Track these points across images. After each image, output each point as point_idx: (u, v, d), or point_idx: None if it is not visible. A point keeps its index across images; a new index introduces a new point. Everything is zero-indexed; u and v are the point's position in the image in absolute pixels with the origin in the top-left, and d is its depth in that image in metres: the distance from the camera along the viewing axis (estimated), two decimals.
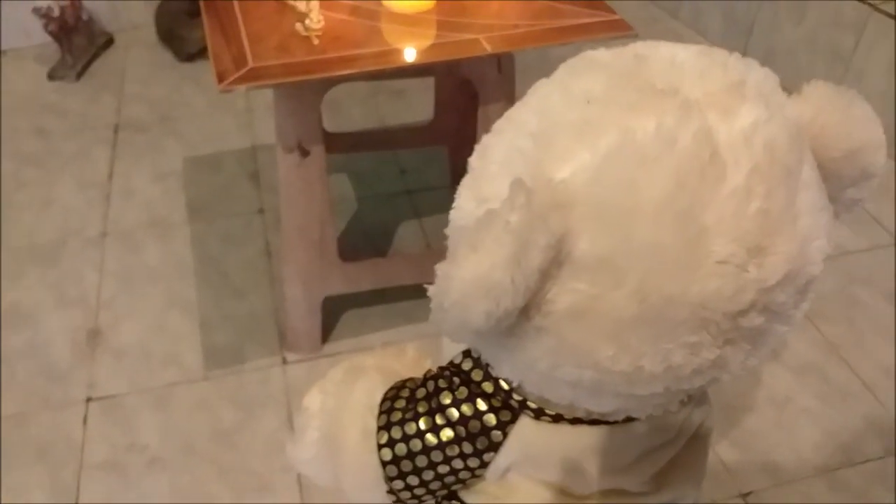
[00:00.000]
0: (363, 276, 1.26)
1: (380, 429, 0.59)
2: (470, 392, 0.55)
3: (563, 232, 0.41)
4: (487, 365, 0.55)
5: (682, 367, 0.44)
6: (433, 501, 0.62)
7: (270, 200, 1.58)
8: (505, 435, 0.55)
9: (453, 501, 0.62)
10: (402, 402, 0.59)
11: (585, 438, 0.54)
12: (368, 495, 0.62)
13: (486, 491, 0.59)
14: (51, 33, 1.92)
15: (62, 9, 1.91)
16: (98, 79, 1.98)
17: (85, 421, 1.18)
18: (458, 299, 0.41)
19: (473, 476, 0.58)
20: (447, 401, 0.56)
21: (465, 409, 0.55)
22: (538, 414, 0.54)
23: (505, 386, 0.54)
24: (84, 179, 1.65)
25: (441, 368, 0.59)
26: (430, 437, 0.56)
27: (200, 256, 1.46)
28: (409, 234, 1.51)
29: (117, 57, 2.07)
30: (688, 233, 0.41)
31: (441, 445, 0.56)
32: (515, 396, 0.54)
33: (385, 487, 0.59)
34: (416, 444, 0.57)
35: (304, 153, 1.09)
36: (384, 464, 0.58)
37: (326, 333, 1.30)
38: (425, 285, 0.45)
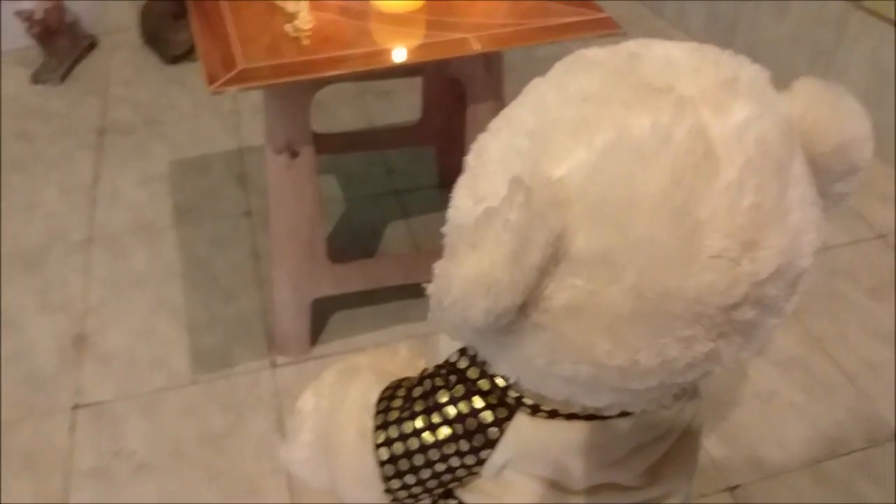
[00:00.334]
0: (352, 278, 1.26)
1: (376, 428, 0.59)
2: (466, 390, 0.56)
3: (561, 229, 0.42)
4: (484, 363, 0.56)
5: (677, 361, 0.45)
6: (430, 500, 0.63)
7: (258, 203, 1.57)
8: (501, 432, 0.55)
9: (450, 500, 0.62)
10: (398, 402, 0.60)
11: (581, 433, 0.54)
12: (365, 495, 0.62)
13: (482, 489, 0.60)
14: (34, 36, 1.90)
15: (45, 11, 1.89)
16: (82, 82, 1.97)
17: (72, 428, 1.17)
18: (459, 297, 0.42)
19: (470, 474, 0.58)
20: (444, 399, 0.56)
21: (462, 406, 0.56)
22: (534, 410, 0.54)
23: (501, 383, 0.55)
24: (69, 184, 1.64)
25: (437, 367, 0.59)
26: (427, 436, 0.57)
27: (188, 260, 1.46)
28: (398, 235, 1.51)
29: (101, 59, 2.05)
30: (683, 228, 0.41)
31: (438, 444, 0.56)
32: (511, 393, 0.54)
33: (382, 487, 0.60)
34: (414, 443, 0.57)
35: (294, 154, 1.09)
36: (381, 463, 0.59)
37: (315, 335, 1.30)
38: (423, 284, 0.46)
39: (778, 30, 1.89)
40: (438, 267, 0.44)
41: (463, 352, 0.58)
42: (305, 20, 1.01)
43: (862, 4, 1.69)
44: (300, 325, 1.27)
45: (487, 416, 0.55)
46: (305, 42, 0.99)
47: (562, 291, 0.43)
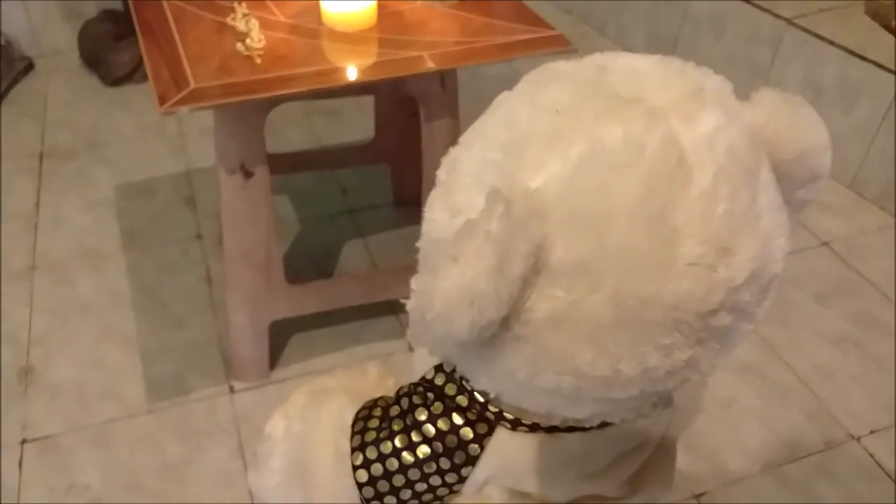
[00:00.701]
0: (310, 299, 1.24)
1: (354, 450, 0.58)
2: (445, 407, 0.55)
3: (540, 239, 0.42)
4: (461, 378, 0.55)
5: (658, 369, 0.45)
6: None
7: (208, 225, 1.54)
8: (482, 448, 0.55)
9: None
10: (375, 422, 0.59)
11: (562, 446, 0.54)
12: None
13: None
14: None
15: None
16: (18, 105, 1.90)
17: (20, 464, 1.12)
18: (442, 311, 0.41)
19: (451, 492, 0.57)
20: (423, 417, 0.56)
21: (441, 424, 0.55)
22: (515, 424, 0.54)
23: (480, 398, 0.54)
24: (8, 211, 1.57)
25: (413, 385, 0.58)
26: (406, 456, 0.56)
27: (137, 286, 1.41)
28: (354, 254, 1.50)
29: (38, 82, 1.99)
30: (660, 235, 0.42)
31: (418, 463, 0.56)
32: (491, 408, 0.54)
33: None
34: (393, 464, 0.56)
35: (248, 174, 1.07)
36: (360, 486, 0.58)
37: (274, 359, 1.28)
38: (402, 300, 0.45)
39: (716, 48, 1.95)
40: (417, 281, 0.44)
41: (439, 368, 0.57)
42: (257, 38, 1.00)
43: (795, 22, 1.75)
44: (257, 349, 1.24)
45: (467, 432, 0.55)
46: (258, 61, 0.97)
47: (542, 302, 0.43)
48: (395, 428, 0.57)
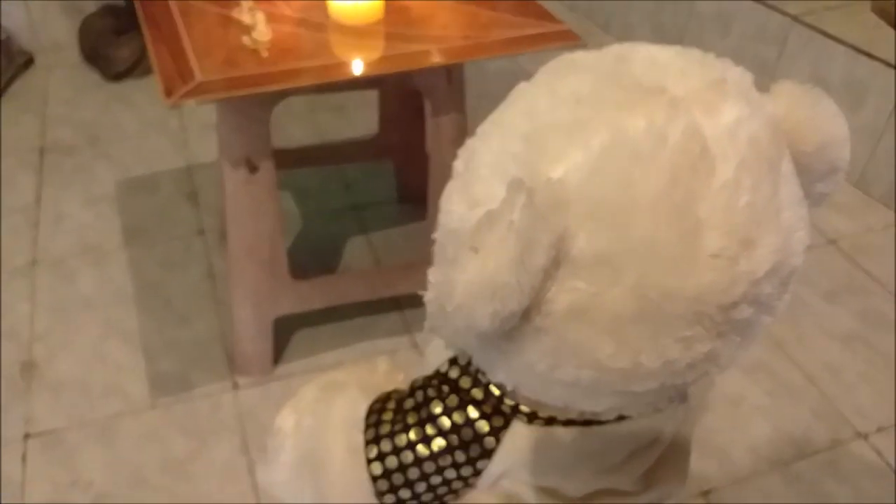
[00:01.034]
0: (315, 295, 1.23)
1: (368, 443, 0.58)
2: (461, 400, 0.55)
3: (562, 230, 0.41)
4: (477, 371, 0.54)
5: (678, 362, 0.45)
6: None
7: (211, 221, 1.53)
8: (498, 441, 0.54)
9: None
10: (389, 415, 0.58)
11: (578, 440, 0.54)
12: None
13: (478, 500, 0.58)
14: None
15: None
16: (19, 101, 1.89)
17: (24, 459, 1.11)
18: (463, 302, 0.41)
19: (466, 485, 0.57)
20: (438, 410, 0.55)
21: (457, 417, 0.55)
22: (531, 418, 0.53)
23: (496, 392, 0.54)
24: (9, 206, 1.56)
25: (427, 378, 0.58)
26: (421, 448, 0.55)
27: (140, 282, 1.41)
28: (358, 250, 1.49)
29: (39, 77, 1.98)
30: (683, 227, 0.41)
31: (433, 456, 0.55)
32: (507, 401, 0.53)
33: (375, 503, 0.58)
34: (408, 456, 0.56)
35: (253, 169, 1.06)
36: (375, 478, 0.57)
37: (277, 355, 1.27)
38: (420, 293, 0.44)
39: (722, 45, 1.94)
40: (434, 273, 0.43)
41: (453, 361, 0.57)
42: (263, 32, 0.99)
43: (802, 20, 1.75)
44: (261, 344, 1.23)
45: (483, 425, 0.54)
46: (264, 54, 0.97)
47: (563, 294, 0.43)
48: (410, 421, 0.56)
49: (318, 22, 1.04)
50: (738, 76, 0.47)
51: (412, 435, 0.56)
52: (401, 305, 1.34)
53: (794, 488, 1.12)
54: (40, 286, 1.39)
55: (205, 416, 1.18)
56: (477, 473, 0.55)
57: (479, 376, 0.54)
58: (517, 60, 1.76)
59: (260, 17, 1.02)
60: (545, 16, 1.08)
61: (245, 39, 0.98)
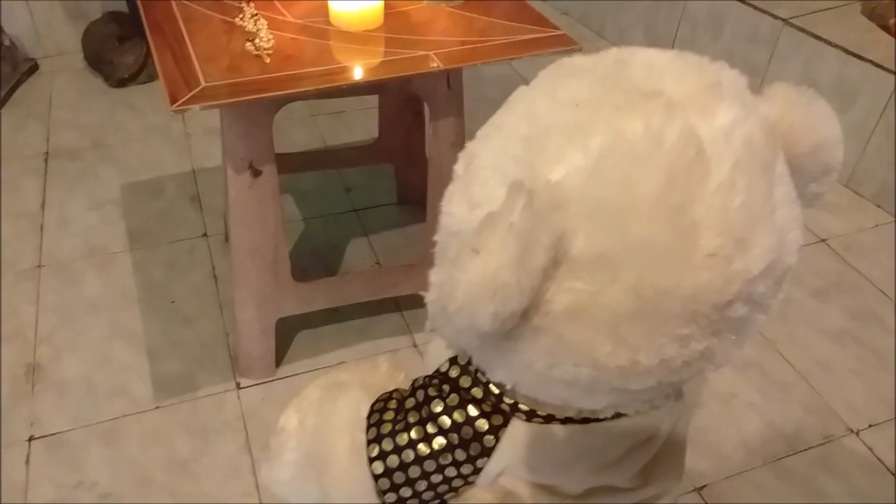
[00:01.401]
0: (317, 296, 1.25)
1: (370, 442, 0.59)
2: (461, 399, 0.56)
3: (561, 231, 0.43)
4: (476, 370, 0.56)
5: (674, 360, 0.46)
6: None
7: (214, 224, 1.55)
8: (497, 439, 0.55)
9: None
10: (391, 414, 0.59)
11: (576, 437, 0.55)
12: None
13: (477, 497, 0.60)
14: None
15: None
16: (24, 106, 1.91)
17: (28, 461, 1.13)
18: (465, 303, 0.42)
19: (466, 483, 0.58)
20: (438, 409, 0.56)
21: (457, 416, 0.56)
22: (530, 416, 0.54)
23: (495, 390, 0.55)
24: (14, 210, 1.58)
25: (428, 377, 0.59)
26: (422, 447, 0.56)
27: (144, 284, 1.42)
28: (359, 252, 1.51)
29: (43, 83, 2.00)
30: (680, 227, 0.43)
31: (434, 454, 0.56)
32: (506, 399, 0.55)
33: (377, 501, 0.59)
34: (409, 455, 0.57)
35: (256, 173, 1.08)
36: (376, 477, 0.58)
37: (280, 356, 1.29)
38: (421, 293, 0.46)
39: (714, 48, 1.96)
40: (436, 274, 0.44)
41: (453, 361, 0.58)
42: (266, 38, 1.01)
43: (792, 22, 1.77)
44: (264, 345, 1.25)
45: (483, 424, 0.55)
46: (267, 60, 0.99)
47: (562, 294, 0.44)
48: (411, 420, 0.57)
49: (320, 28, 1.06)
50: (733, 79, 0.48)
51: (413, 434, 0.57)
52: (401, 306, 1.36)
53: (787, 483, 1.14)
54: (45, 289, 1.41)
55: (208, 416, 1.20)
56: (477, 471, 0.56)
57: (479, 375, 0.55)
58: (513, 65, 1.78)
59: (262, 24, 1.04)
60: (541, 21, 1.10)
61: (248, 46, 1.00)
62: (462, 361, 0.58)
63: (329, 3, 1.05)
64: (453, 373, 0.58)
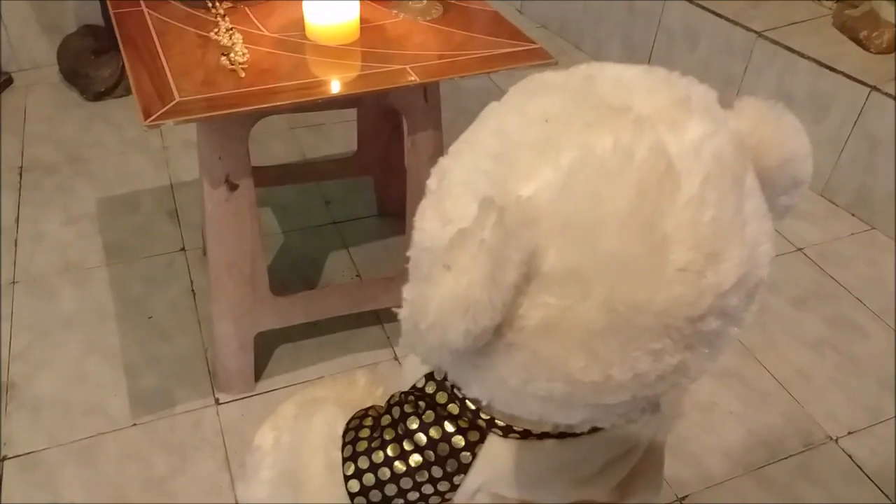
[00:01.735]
0: (296, 310, 1.24)
1: (345, 460, 0.58)
2: (437, 415, 0.55)
3: (533, 247, 0.43)
4: (452, 386, 0.55)
5: (648, 374, 0.46)
6: None
7: (192, 238, 1.54)
8: (474, 455, 0.55)
9: None
10: (366, 431, 0.59)
11: (553, 452, 0.55)
12: None
13: None
14: None
15: None
16: None
17: (0, 481, 1.11)
18: (437, 320, 0.42)
19: (443, 500, 0.58)
20: (414, 426, 0.56)
21: (433, 432, 0.55)
22: (506, 431, 0.54)
23: (471, 406, 0.55)
24: None
25: (404, 394, 0.59)
26: (398, 465, 0.56)
27: (121, 300, 1.41)
28: (339, 265, 1.50)
29: (18, 97, 1.98)
30: (651, 242, 0.43)
31: (410, 472, 0.56)
32: (483, 415, 0.54)
33: None
34: (385, 473, 0.56)
35: (233, 187, 1.08)
36: (352, 496, 0.57)
37: (259, 371, 1.28)
38: (393, 309, 0.45)
39: (690, 60, 1.98)
40: (409, 291, 0.44)
41: (430, 377, 0.57)
42: (241, 52, 1.01)
43: (766, 35, 1.79)
44: (243, 360, 1.24)
45: (459, 440, 0.55)
46: (242, 75, 0.98)
47: (535, 309, 0.44)
48: (387, 437, 0.57)
49: (296, 42, 1.06)
50: (703, 93, 0.48)
51: (389, 451, 0.56)
52: (382, 319, 1.36)
53: (768, 491, 1.14)
54: (19, 305, 1.39)
55: (186, 432, 1.18)
56: (454, 488, 0.56)
57: (455, 391, 0.55)
58: (492, 78, 1.78)
59: (238, 38, 1.04)
60: (518, 35, 1.11)
61: (223, 60, 1.00)
62: (438, 377, 0.57)
63: (305, 17, 1.05)
64: (429, 389, 0.57)
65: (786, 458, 1.19)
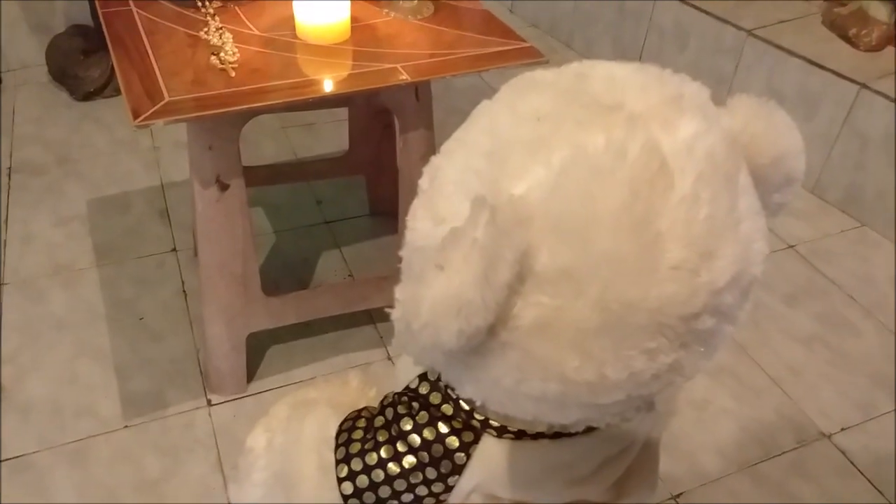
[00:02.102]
0: (288, 310, 1.24)
1: (338, 462, 0.58)
2: (430, 416, 0.55)
3: (525, 246, 0.42)
4: (446, 387, 0.55)
5: (643, 373, 0.45)
6: None
7: (183, 239, 1.53)
8: (468, 456, 0.55)
9: None
10: (359, 433, 0.58)
11: (548, 452, 0.55)
12: None
13: None
14: None
15: None
16: None
17: None
18: (430, 320, 0.41)
19: (438, 502, 0.57)
20: (408, 427, 0.56)
21: (427, 433, 0.55)
22: (500, 432, 0.54)
23: (465, 407, 0.54)
24: None
25: (397, 394, 0.58)
26: (392, 466, 0.56)
27: (112, 301, 1.40)
28: (331, 265, 1.50)
29: (6, 97, 1.96)
30: (644, 240, 0.42)
31: (404, 473, 0.55)
32: (477, 416, 0.54)
33: None
34: (379, 475, 0.56)
35: (224, 187, 1.07)
36: (345, 498, 0.57)
37: (251, 372, 1.27)
38: (386, 309, 0.45)
39: (680, 58, 1.99)
40: (402, 291, 0.44)
41: (423, 377, 0.57)
42: (231, 52, 1.00)
43: (755, 34, 1.80)
44: (235, 361, 1.23)
45: (453, 441, 0.54)
46: (233, 74, 0.98)
47: (528, 309, 0.43)
48: (380, 438, 0.56)
49: (286, 42, 1.05)
50: (695, 91, 0.48)
51: (383, 453, 0.56)
52: (374, 318, 1.35)
53: (762, 488, 1.14)
54: (8, 307, 1.38)
55: (178, 434, 1.18)
56: (448, 489, 0.56)
57: (449, 392, 0.55)
58: (483, 77, 1.78)
59: (228, 38, 1.03)
60: (509, 34, 1.11)
61: (213, 59, 0.99)
62: (432, 378, 0.57)
63: (295, 16, 1.04)
64: (423, 389, 0.57)
65: (779, 455, 1.19)
